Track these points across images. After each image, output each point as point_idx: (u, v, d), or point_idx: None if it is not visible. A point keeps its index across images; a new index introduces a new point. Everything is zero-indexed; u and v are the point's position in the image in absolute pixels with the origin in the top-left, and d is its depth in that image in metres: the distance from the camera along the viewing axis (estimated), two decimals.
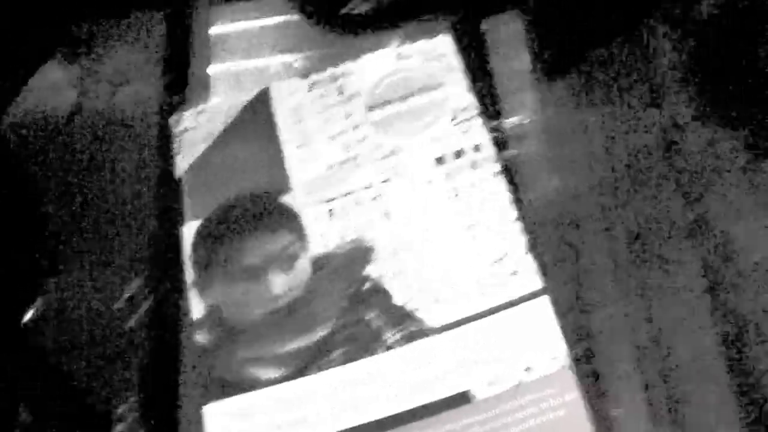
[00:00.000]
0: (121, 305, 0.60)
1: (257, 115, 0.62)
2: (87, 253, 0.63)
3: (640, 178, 0.58)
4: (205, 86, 0.68)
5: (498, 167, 0.56)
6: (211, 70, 0.70)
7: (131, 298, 0.59)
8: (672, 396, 0.50)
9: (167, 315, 0.59)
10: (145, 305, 0.59)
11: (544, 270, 0.54)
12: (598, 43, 0.64)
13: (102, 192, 0.65)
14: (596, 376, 0.51)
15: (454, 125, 0.58)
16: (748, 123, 0.58)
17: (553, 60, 0.63)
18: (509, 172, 0.58)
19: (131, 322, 0.59)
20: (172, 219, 0.61)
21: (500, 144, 0.59)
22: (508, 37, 0.66)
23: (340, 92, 0.61)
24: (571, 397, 0.49)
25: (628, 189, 0.58)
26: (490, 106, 0.61)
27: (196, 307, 0.57)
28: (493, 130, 0.60)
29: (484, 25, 0.66)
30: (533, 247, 0.54)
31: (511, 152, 0.59)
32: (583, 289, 0.54)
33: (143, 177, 0.65)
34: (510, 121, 0.61)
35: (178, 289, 0.59)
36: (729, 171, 0.57)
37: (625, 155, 0.59)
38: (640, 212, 0.56)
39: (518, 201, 0.56)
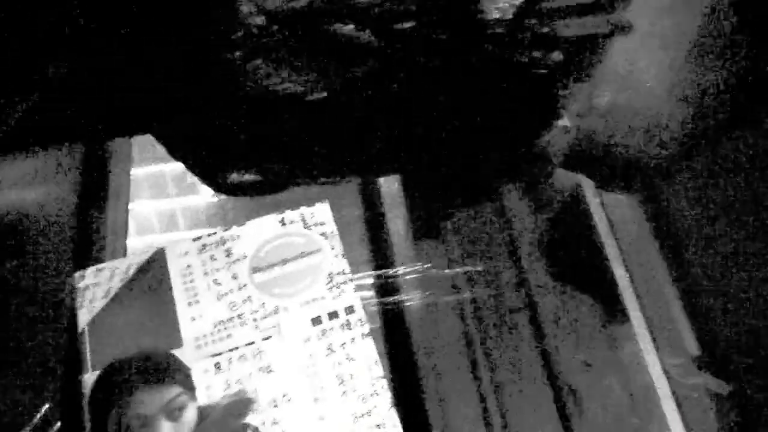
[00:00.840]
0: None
1: (153, 274, 0.68)
2: None
3: (500, 332, 0.67)
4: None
5: (367, 328, 0.64)
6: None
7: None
8: None
9: None
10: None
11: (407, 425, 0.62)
12: (463, 204, 0.73)
13: (11, 333, 0.71)
14: None
15: (329, 289, 0.65)
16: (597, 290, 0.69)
17: (423, 222, 0.73)
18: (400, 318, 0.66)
19: None
20: (75, 368, 0.67)
21: (390, 290, 0.68)
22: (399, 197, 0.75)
23: (228, 254, 0.68)
24: None
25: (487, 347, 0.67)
26: (382, 257, 0.69)
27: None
28: (382, 277, 0.68)
29: (382, 183, 0.75)
30: (398, 401, 0.62)
31: (396, 297, 0.68)
32: None
33: (50, 328, 0.71)
34: (398, 270, 0.70)
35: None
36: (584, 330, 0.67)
37: (488, 306, 0.69)
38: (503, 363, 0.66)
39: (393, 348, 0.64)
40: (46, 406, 0.68)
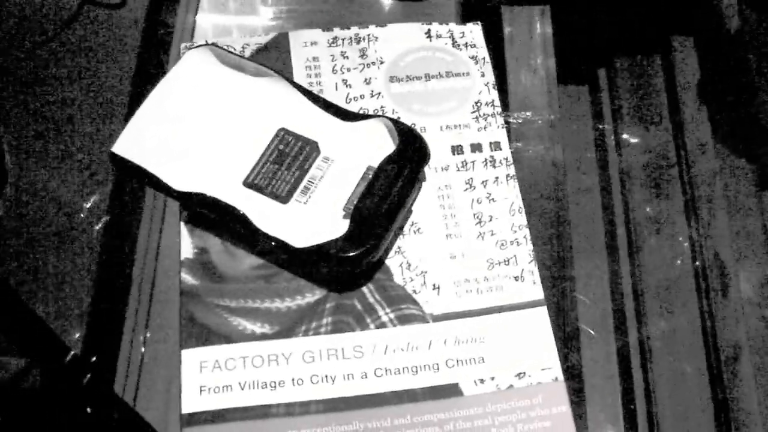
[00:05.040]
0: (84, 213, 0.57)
1: (274, 59, 0.59)
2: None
3: (648, 192, 0.59)
4: None
5: (513, 170, 0.56)
6: None
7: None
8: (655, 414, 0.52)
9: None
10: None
11: (547, 282, 0.54)
12: (619, 52, 0.65)
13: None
14: (581, 392, 0.52)
15: (474, 118, 0.57)
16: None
17: (571, 64, 0.64)
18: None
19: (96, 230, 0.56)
20: None
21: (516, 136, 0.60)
22: (527, 32, 0.65)
23: (362, 55, 0.59)
24: (560, 410, 0.50)
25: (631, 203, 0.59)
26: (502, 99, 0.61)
27: (186, 246, 0.54)
28: (507, 122, 0.60)
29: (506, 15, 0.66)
30: (539, 256, 0.55)
31: (519, 144, 0.60)
32: (575, 304, 0.55)
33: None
34: (521, 116, 0.61)
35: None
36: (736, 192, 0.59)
37: (634, 165, 0.60)
38: (643, 227, 0.58)
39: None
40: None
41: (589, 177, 0.62)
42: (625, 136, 0.61)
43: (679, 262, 0.58)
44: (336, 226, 0.50)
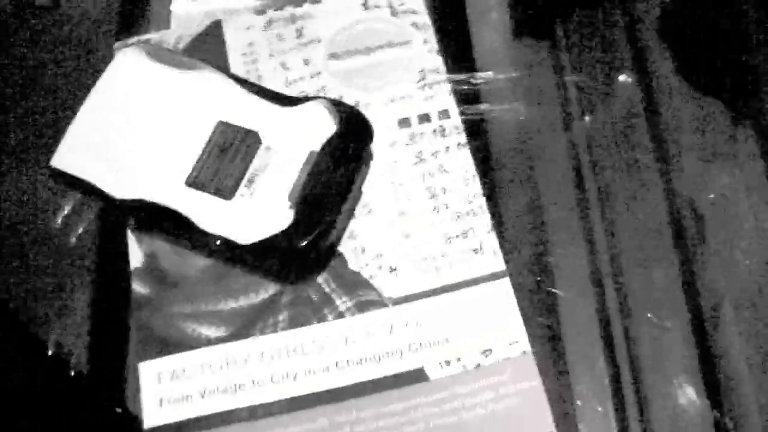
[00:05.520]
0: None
1: (209, 49, 0.57)
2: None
3: (616, 143, 0.57)
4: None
5: (464, 138, 0.53)
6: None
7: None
8: (637, 383, 0.50)
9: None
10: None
11: (508, 249, 0.52)
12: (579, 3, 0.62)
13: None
14: (557, 361, 0.50)
15: (420, 87, 0.54)
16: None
17: (530, 18, 0.61)
18: (480, 127, 0.56)
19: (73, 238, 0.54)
20: None
21: (471, 98, 0.57)
22: None
23: (300, 35, 0.56)
24: (530, 384, 0.48)
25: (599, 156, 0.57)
26: (462, 59, 0.58)
27: (135, 255, 0.52)
28: (464, 83, 0.57)
29: None
30: (498, 224, 0.52)
31: (482, 106, 0.57)
32: (549, 268, 0.53)
33: None
34: (483, 76, 0.58)
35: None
36: (709, 135, 0.57)
37: (602, 118, 0.58)
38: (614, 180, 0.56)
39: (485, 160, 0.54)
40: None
41: (556, 132, 0.59)
42: (588, 86, 0.58)
43: (653, 212, 0.55)
44: (283, 217, 0.48)
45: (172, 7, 0.62)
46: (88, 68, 0.59)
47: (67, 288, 0.54)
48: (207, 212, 0.50)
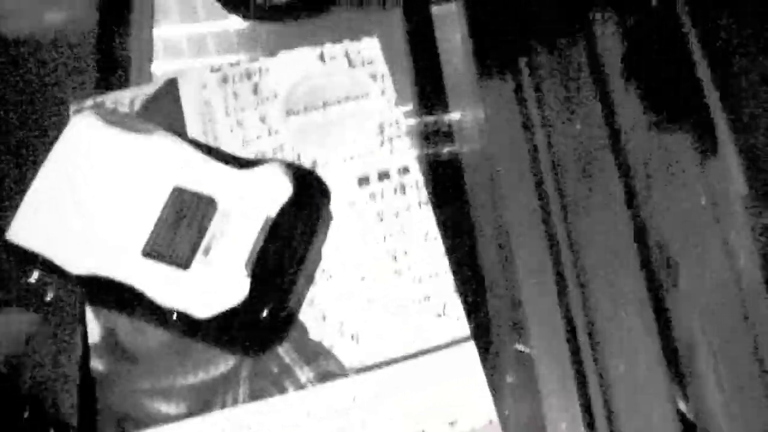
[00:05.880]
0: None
1: (165, 109, 0.55)
2: None
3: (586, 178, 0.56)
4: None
5: (425, 195, 0.52)
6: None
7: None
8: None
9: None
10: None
11: (476, 304, 0.51)
12: (540, 37, 0.61)
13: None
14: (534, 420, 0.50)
15: (380, 143, 0.53)
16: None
17: (492, 56, 0.60)
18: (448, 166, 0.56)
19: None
20: None
21: (444, 138, 0.58)
22: (454, 28, 0.62)
23: (255, 91, 0.55)
24: None
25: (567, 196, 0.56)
26: (435, 99, 0.59)
27: (93, 330, 0.51)
28: (435, 124, 0.57)
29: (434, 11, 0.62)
30: (463, 282, 0.51)
31: (453, 147, 0.56)
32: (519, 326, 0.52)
33: None
34: (453, 117, 0.58)
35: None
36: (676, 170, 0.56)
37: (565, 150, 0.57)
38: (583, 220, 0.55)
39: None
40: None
41: (523, 170, 0.58)
42: (552, 121, 0.57)
43: (621, 246, 0.54)
44: (240, 288, 0.47)
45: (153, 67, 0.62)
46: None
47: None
48: (163, 285, 0.49)
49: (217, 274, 0.48)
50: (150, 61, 0.63)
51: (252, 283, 0.47)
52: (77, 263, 0.49)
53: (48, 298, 0.55)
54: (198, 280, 0.48)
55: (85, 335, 0.52)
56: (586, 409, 0.50)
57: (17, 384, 0.52)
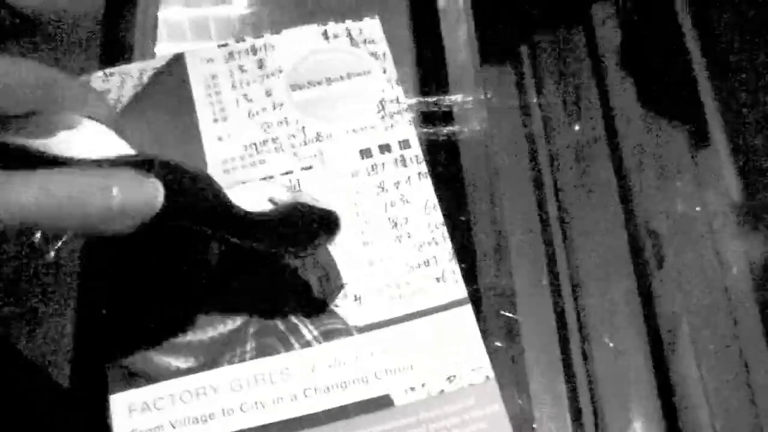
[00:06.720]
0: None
1: (172, 83, 0.57)
2: None
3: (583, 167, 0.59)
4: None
5: (425, 167, 0.55)
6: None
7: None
8: (596, 404, 0.51)
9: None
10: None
11: (470, 276, 0.54)
12: (541, 27, 0.64)
13: None
14: (520, 385, 0.52)
15: (381, 118, 0.56)
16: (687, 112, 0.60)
17: (493, 43, 0.63)
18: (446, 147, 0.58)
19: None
20: None
21: (443, 119, 0.60)
22: (457, 13, 0.64)
23: (261, 66, 0.58)
24: (494, 409, 0.49)
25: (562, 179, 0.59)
26: (436, 80, 0.61)
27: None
28: (435, 104, 0.59)
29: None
30: (460, 251, 0.54)
31: (452, 128, 0.59)
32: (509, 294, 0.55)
33: None
34: (453, 98, 0.60)
35: None
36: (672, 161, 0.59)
37: (561, 139, 0.60)
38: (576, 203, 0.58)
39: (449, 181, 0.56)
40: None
41: (520, 155, 0.61)
42: (551, 110, 0.60)
43: (612, 234, 0.57)
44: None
45: (156, 48, 0.64)
46: None
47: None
48: None
49: None
50: (153, 43, 0.64)
51: None
52: None
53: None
54: None
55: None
56: (568, 369, 0.53)
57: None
